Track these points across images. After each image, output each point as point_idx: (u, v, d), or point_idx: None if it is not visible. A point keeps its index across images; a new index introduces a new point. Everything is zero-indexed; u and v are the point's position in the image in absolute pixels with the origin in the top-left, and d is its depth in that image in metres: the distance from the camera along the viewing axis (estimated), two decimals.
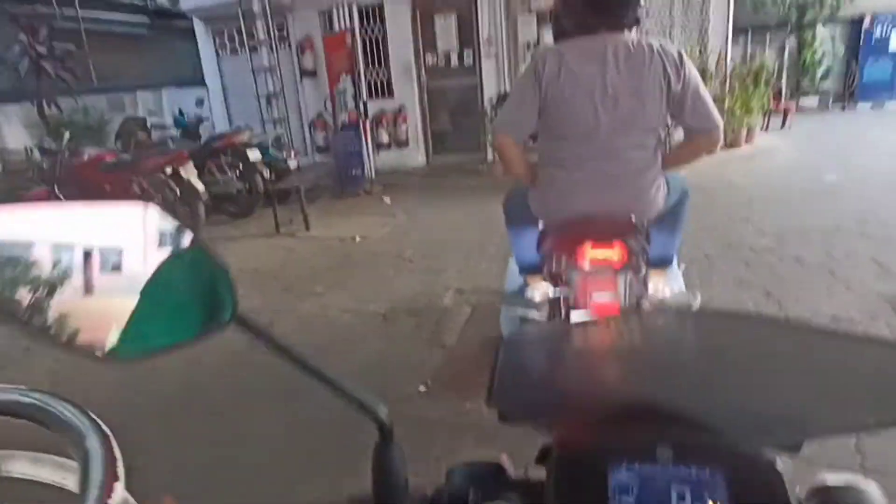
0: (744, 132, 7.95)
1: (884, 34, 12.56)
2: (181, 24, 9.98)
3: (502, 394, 0.57)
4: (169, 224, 0.46)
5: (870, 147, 8.07)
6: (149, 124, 7.14)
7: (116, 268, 0.45)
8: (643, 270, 2.17)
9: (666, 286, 2.22)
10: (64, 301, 0.42)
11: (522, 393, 0.58)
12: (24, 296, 0.41)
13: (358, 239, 5.44)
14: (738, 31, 9.27)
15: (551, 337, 0.76)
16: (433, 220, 5.89)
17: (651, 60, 1.89)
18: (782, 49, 13.31)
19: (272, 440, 2.40)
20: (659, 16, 7.48)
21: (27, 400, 0.54)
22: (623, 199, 2.01)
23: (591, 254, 2.02)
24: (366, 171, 7.64)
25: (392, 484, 0.48)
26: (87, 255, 0.44)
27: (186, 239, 0.47)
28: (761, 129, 8.86)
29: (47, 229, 0.44)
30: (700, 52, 7.79)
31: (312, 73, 8.50)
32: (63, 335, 0.41)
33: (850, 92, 13.06)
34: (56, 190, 5.92)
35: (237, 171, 6.46)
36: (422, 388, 2.69)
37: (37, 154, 6.23)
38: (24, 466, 0.58)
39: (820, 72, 13.14)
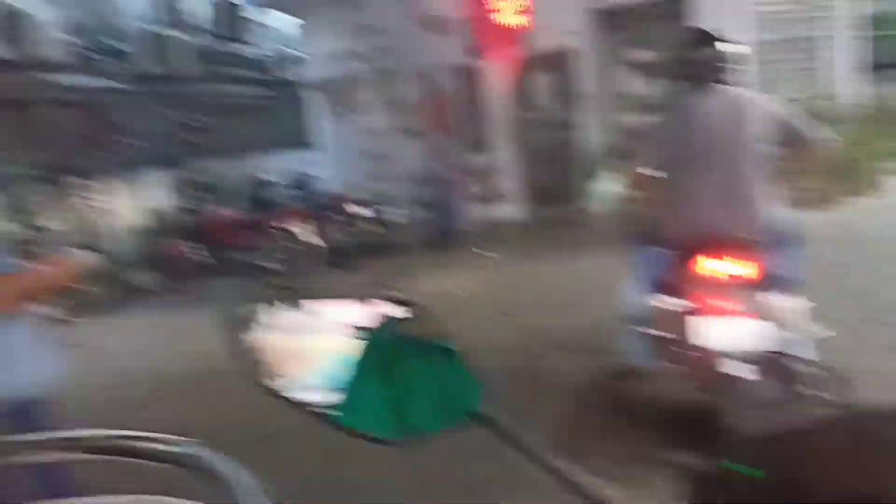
0: (870, 180, 7.29)
1: None
2: (298, 91, 10.94)
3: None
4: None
5: None
6: (271, 185, 7.80)
7: None
8: (765, 289, 2.34)
9: (794, 305, 2.38)
10: None
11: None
12: None
13: (460, 292, 5.52)
14: (879, 68, 8.43)
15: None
16: (532, 274, 5.87)
17: (747, 103, 2.46)
18: None
19: None
20: (771, 61, 7.17)
21: (204, 456, 0.58)
22: (733, 215, 2.37)
23: (710, 266, 2.28)
24: (466, 224, 7.82)
25: None
26: None
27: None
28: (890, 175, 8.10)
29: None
30: (826, 96, 7.29)
31: (416, 133, 8.94)
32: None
33: None
34: (197, 242, 6.59)
35: (349, 227, 6.88)
36: None
37: (182, 214, 7.00)
38: None
39: None
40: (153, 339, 5.43)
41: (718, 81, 2.52)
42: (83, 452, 0.59)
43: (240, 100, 11.38)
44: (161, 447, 0.59)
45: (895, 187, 7.66)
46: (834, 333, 2.41)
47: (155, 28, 9.17)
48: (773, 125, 2.41)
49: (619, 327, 2.85)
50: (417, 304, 0.64)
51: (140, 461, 0.59)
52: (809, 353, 2.38)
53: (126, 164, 7.68)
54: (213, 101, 10.32)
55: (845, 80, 7.45)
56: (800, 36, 7.35)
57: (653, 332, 2.53)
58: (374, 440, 0.51)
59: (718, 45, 2.55)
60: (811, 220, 2.34)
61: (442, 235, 7.67)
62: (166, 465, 0.58)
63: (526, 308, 4.78)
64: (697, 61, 2.56)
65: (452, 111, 7.83)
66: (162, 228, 7.61)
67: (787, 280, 2.43)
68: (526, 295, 5.14)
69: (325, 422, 0.54)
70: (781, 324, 2.26)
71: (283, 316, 0.66)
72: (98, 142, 7.11)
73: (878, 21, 10.13)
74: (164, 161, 8.54)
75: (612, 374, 3.05)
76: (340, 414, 0.53)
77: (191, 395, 3.94)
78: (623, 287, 2.89)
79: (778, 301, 2.34)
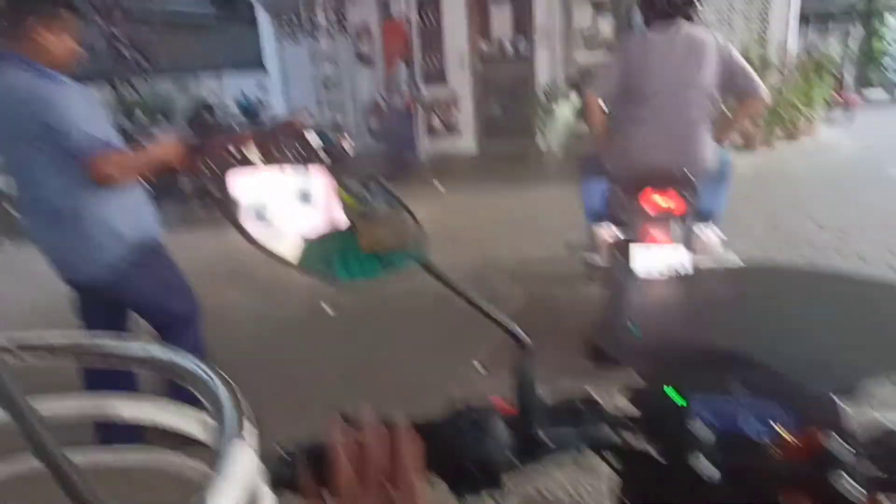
0: (804, 125, 7.72)
1: None
2: (244, 10, 10.31)
3: (605, 338, 0.70)
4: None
5: None
6: (214, 108, 7.47)
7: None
8: (691, 220, 2.58)
9: (713, 236, 2.60)
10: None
11: (621, 337, 0.71)
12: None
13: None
14: (800, 19, 8.94)
15: (645, 291, 0.89)
16: (484, 205, 6.00)
17: (706, 44, 2.49)
18: (846, 38, 12.76)
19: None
20: (717, 4, 7.32)
21: (160, 354, 0.59)
22: (680, 153, 2.48)
23: (653, 199, 2.44)
24: (418, 156, 7.80)
25: (528, 390, 0.60)
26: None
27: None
28: (823, 121, 8.59)
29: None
30: (760, 40, 7.60)
31: (369, 60, 8.68)
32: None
33: None
34: None
35: (296, 154, 6.73)
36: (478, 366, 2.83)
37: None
38: (150, 412, 0.61)
39: (890, 63, 12.54)
40: None
41: (684, 16, 2.55)
42: (47, 353, 0.59)
43: (186, 17, 10.63)
44: (121, 349, 0.59)
45: (824, 132, 8.16)
46: (739, 261, 2.62)
47: None
48: (727, 70, 2.49)
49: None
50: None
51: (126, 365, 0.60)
52: None
53: None
54: (158, 17, 9.59)
55: (779, 29, 7.70)
56: None
57: (594, 257, 2.72)
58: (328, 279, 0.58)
59: None
60: (746, 160, 2.49)
61: (395, 166, 7.63)
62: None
63: (475, 237, 4.91)
64: None
65: (409, 39, 7.62)
66: None
67: (711, 213, 2.67)
68: (477, 225, 5.27)
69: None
70: (701, 252, 2.48)
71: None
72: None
73: None
74: (101, 77, 7.99)
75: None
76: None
77: None
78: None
79: (700, 231, 2.56)
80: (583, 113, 3.02)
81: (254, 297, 4.04)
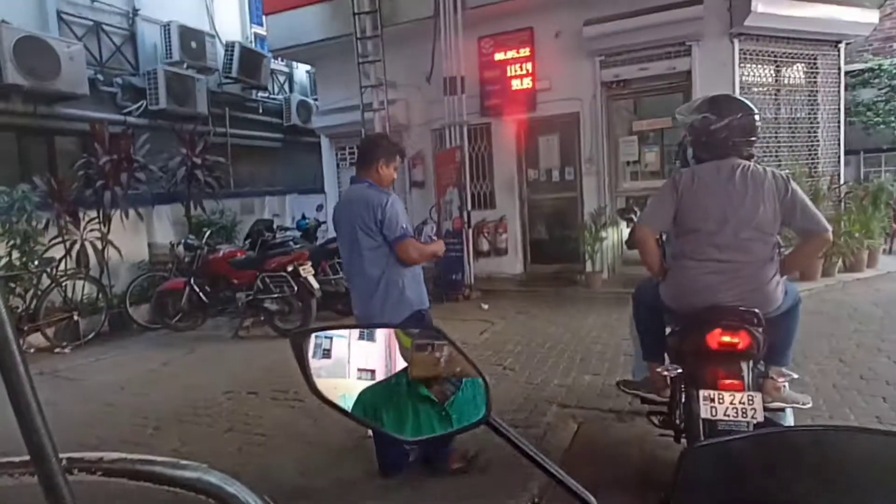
0: (865, 255, 7.50)
1: None
2: (309, 139, 11.25)
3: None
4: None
5: None
6: (275, 226, 7.91)
7: None
8: (759, 360, 2.40)
9: (784, 378, 2.42)
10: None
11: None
12: None
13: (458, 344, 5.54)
14: (850, 152, 9.05)
15: (726, 452, 0.80)
16: (531, 329, 5.90)
17: (765, 177, 2.40)
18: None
19: None
20: (765, 138, 7.51)
21: (212, 479, 0.61)
22: (747, 290, 2.35)
23: (721, 340, 2.24)
24: (466, 276, 7.90)
25: None
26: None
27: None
28: (884, 252, 8.33)
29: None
30: (811, 173, 7.65)
31: (421, 185, 9.15)
32: None
33: None
34: (192, 280, 6.63)
35: None
36: None
37: (180, 248, 7.07)
38: None
39: None
40: (142, 374, 5.38)
41: (740, 154, 2.48)
42: (101, 475, 0.62)
43: (254, 142, 11.68)
44: (173, 472, 0.62)
45: (885, 262, 7.87)
46: (811, 403, 2.48)
47: (175, 68, 9.50)
48: (787, 206, 2.38)
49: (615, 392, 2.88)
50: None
51: (151, 485, 0.62)
52: (792, 423, 2.45)
53: (137, 199, 7.80)
54: (228, 143, 10.58)
55: (830, 161, 7.78)
56: (784, 116, 7.68)
57: (647, 396, 2.56)
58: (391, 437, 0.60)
59: (748, 116, 2.50)
60: (808, 291, 2.39)
61: (445, 287, 7.73)
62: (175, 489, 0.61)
63: (523, 363, 4.78)
64: (722, 130, 2.47)
65: (461, 168, 8.04)
66: (165, 264, 7.67)
67: (781, 353, 2.49)
68: (525, 350, 5.15)
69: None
70: (773, 395, 2.31)
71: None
72: (110, 175, 7.23)
73: (858, 108, 10.69)
74: (176, 198, 8.69)
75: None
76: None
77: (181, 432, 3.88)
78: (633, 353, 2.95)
79: (770, 372, 2.39)
80: (632, 244, 2.80)
81: (302, 418, 3.96)
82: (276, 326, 6.38)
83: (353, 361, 0.68)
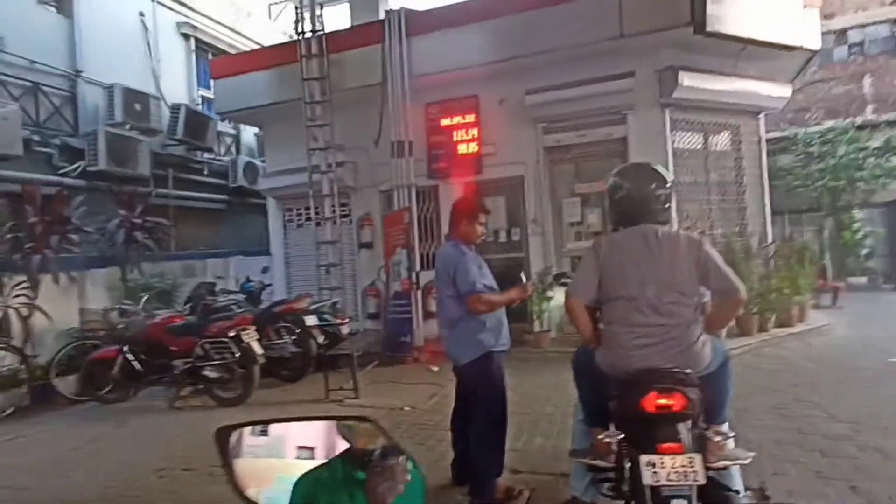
0: (795, 311, 7.89)
1: None
2: (256, 200, 11.14)
3: None
4: None
5: None
6: (217, 289, 7.66)
7: None
8: (701, 420, 2.40)
9: (723, 435, 2.39)
10: None
11: None
12: None
13: (406, 409, 5.40)
14: (776, 213, 9.69)
15: None
16: None
17: (679, 240, 2.51)
18: (820, 230, 13.67)
19: None
20: (699, 202, 7.95)
21: None
22: (676, 352, 2.39)
23: (657, 403, 2.24)
24: (415, 338, 7.80)
25: None
26: None
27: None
28: (813, 307, 8.79)
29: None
30: (741, 233, 8.11)
31: (369, 246, 9.14)
32: None
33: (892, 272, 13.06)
34: (125, 349, 6.25)
35: (294, 336, 6.73)
36: None
37: (113, 315, 6.71)
38: None
39: (864, 252, 13.27)
40: (65, 453, 4.95)
41: (653, 219, 2.56)
42: None
43: (198, 204, 11.46)
44: None
45: (815, 317, 8.30)
46: (754, 454, 2.46)
47: (118, 129, 9.33)
48: (702, 269, 2.44)
49: (567, 457, 2.83)
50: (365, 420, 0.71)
51: None
52: (737, 481, 2.45)
53: (70, 263, 7.43)
54: (170, 204, 10.34)
55: (758, 222, 8.29)
56: (714, 180, 8.21)
57: (593, 463, 2.51)
58: None
59: (660, 183, 2.60)
60: (743, 347, 2.44)
61: (394, 349, 7.60)
62: None
63: None
64: (637, 198, 2.58)
65: (410, 229, 8.09)
66: (96, 331, 7.23)
67: (718, 411, 2.50)
68: None
69: None
70: (716, 454, 2.29)
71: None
72: (41, 237, 6.90)
73: (779, 173, 11.58)
74: (112, 261, 8.33)
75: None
76: None
77: None
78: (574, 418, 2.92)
79: (709, 432, 2.39)
80: (570, 319, 2.80)
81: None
82: (215, 395, 6.05)
83: (287, 450, 0.65)
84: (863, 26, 14.74)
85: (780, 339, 7.27)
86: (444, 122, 8.50)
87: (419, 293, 8.06)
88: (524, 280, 3.46)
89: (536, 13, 7.55)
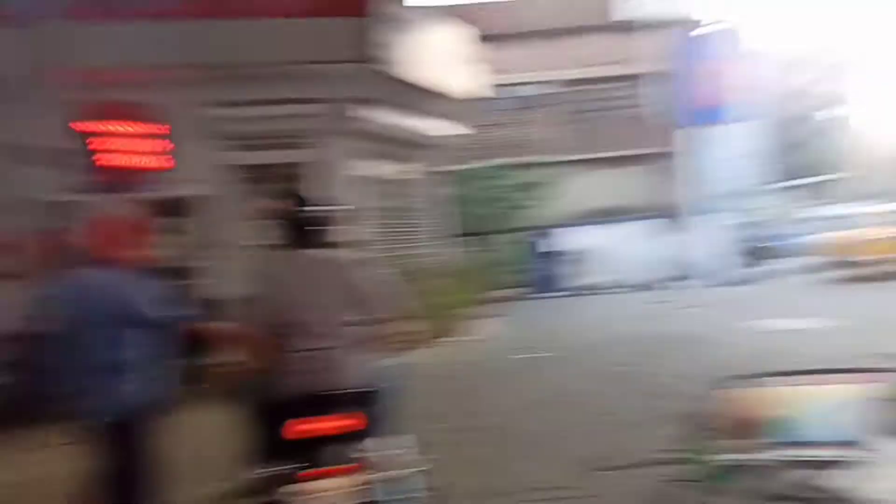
0: (456, 323, 9.00)
1: (543, 243, 16.78)
2: None
3: None
4: None
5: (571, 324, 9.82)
6: None
7: None
8: (366, 437, 2.40)
9: (392, 446, 2.51)
10: None
11: None
12: None
13: None
14: (463, 235, 11.25)
15: None
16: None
17: (334, 264, 2.63)
18: (492, 250, 16.42)
19: None
20: (379, 224, 8.52)
21: None
22: (339, 374, 2.42)
23: (310, 425, 2.26)
24: (63, 391, 6.41)
25: None
26: None
27: None
28: (471, 318, 10.18)
29: None
30: (417, 254, 8.98)
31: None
32: None
33: (534, 284, 16.45)
34: None
35: None
36: None
37: None
38: None
39: (508, 270, 16.29)
40: None
41: (314, 244, 2.61)
42: None
43: None
44: None
45: (476, 327, 9.69)
46: (432, 458, 2.68)
47: None
48: (350, 289, 2.55)
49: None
50: None
51: None
52: (419, 487, 2.55)
53: None
54: None
55: (435, 243, 9.36)
56: (393, 205, 8.99)
57: (261, 500, 2.38)
58: None
59: (311, 209, 2.68)
60: (405, 360, 2.67)
61: (30, 404, 6.07)
62: None
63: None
64: (292, 222, 2.63)
65: (54, 253, 6.62)
66: None
67: (386, 424, 2.57)
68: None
69: None
70: (393, 467, 2.40)
71: None
72: None
73: (463, 200, 13.45)
74: None
75: None
76: None
77: None
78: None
79: (380, 446, 2.45)
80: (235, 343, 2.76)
81: None
82: None
83: None
84: (525, 84, 18.81)
85: (440, 351, 8.18)
86: (104, 127, 7.28)
87: None
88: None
89: (225, 23, 7.10)
